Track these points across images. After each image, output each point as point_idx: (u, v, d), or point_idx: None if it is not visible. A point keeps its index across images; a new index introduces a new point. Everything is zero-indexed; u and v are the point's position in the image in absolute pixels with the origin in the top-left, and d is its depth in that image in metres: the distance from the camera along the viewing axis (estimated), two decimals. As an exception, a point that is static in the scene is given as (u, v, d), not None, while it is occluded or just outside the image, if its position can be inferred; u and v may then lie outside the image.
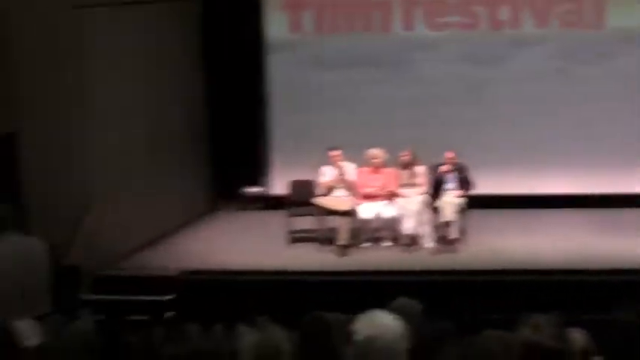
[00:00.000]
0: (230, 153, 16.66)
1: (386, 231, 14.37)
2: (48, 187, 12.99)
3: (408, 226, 13.97)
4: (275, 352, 4.50)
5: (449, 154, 14.13)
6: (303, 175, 15.17)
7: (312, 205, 14.42)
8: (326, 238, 14.37)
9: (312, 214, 14.50)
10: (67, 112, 13.40)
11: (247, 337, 4.70)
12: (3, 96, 11.90)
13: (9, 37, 12.27)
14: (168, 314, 11.61)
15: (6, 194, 11.41)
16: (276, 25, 16.60)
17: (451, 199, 13.94)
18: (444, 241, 13.99)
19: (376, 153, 14.21)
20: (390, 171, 14.30)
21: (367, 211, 14.18)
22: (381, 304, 9.01)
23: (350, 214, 14.12)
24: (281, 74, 16.60)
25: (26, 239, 8.29)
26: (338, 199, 14.14)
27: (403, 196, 14.09)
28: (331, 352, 6.42)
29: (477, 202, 14.40)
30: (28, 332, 5.77)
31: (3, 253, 7.89)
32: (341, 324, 6.57)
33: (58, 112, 13.24)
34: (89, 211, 13.76)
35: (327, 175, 14.33)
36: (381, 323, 5.12)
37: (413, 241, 14.03)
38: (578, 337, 5.90)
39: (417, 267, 13.28)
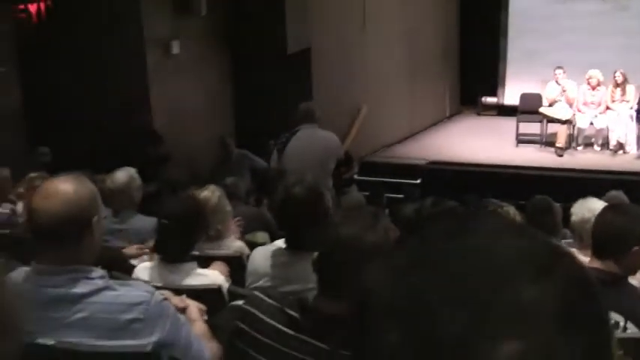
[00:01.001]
0: (474, 68, 16.73)
1: (598, 138, 14.18)
2: (332, 90, 13.53)
3: (616, 135, 13.78)
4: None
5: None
6: (531, 89, 15.12)
7: (538, 113, 14.36)
8: (547, 141, 14.33)
9: (537, 121, 14.44)
10: (349, 31, 13.88)
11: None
12: (302, 18, 12.36)
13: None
14: (416, 194, 11.92)
15: (304, 96, 11.91)
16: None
17: (656, 114, 13.58)
18: (646, 148, 13.74)
19: (594, 73, 13.98)
20: (604, 88, 14.00)
21: (583, 120, 14.04)
22: (591, 197, 9.12)
23: (569, 122, 14.04)
24: (519, 6, 16.41)
25: (326, 132, 8.35)
26: (559, 110, 14.02)
27: (614, 110, 13.82)
28: (553, 228, 6.63)
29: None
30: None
31: (310, 140, 8.01)
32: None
33: (342, 32, 13.73)
34: (361, 111, 14.32)
35: (551, 89, 14.20)
36: (595, 207, 5.08)
37: (619, 147, 13.82)
38: None
39: (622, 168, 13.13)
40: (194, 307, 3.15)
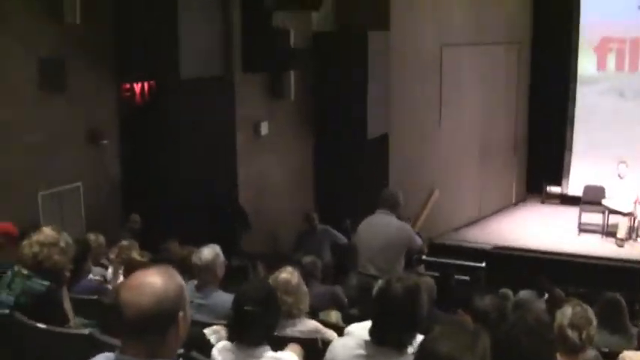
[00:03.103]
0: (540, 158, 16.36)
1: (658, 229, 13.68)
2: (407, 174, 13.34)
3: (676, 227, 13.30)
4: (586, 322, 4.41)
5: None
6: (595, 181, 14.66)
7: (600, 205, 13.91)
8: (609, 232, 13.84)
9: (599, 212, 13.99)
10: (425, 120, 13.76)
11: (565, 308, 4.57)
12: (383, 106, 12.29)
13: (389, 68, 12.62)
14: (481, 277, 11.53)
15: (381, 179, 11.72)
16: (586, 64, 16.00)
17: None
18: None
19: (654, 168, 13.58)
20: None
21: (644, 212, 13.57)
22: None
23: (630, 214, 13.56)
24: (586, 102, 16.04)
25: (399, 222, 7.79)
26: (621, 202, 13.55)
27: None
28: (624, 327, 6.31)
29: None
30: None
31: (381, 226, 7.61)
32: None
33: (419, 120, 13.62)
34: (433, 194, 14.11)
35: (614, 182, 13.77)
36: None
37: (680, 238, 13.31)
38: None
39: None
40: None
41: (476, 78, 14.86)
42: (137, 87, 9.68)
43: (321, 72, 12.16)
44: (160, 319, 2.42)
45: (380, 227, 7.63)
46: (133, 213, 9.45)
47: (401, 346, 3.48)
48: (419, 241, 7.92)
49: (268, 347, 3.96)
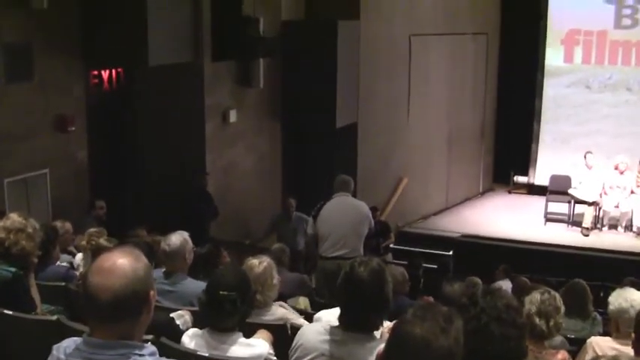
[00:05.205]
0: (507, 148, 16.49)
1: (622, 220, 13.80)
2: (375, 163, 13.39)
3: (640, 218, 13.44)
4: (554, 310, 4.46)
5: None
6: (561, 171, 14.82)
7: (566, 194, 14.04)
8: (574, 221, 13.98)
9: (565, 202, 14.12)
10: (393, 109, 13.80)
11: (533, 294, 4.62)
12: (351, 96, 12.32)
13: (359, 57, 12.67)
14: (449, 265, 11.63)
15: (349, 167, 11.77)
16: (553, 57, 16.07)
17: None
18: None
19: (621, 159, 13.67)
20: (631, 173, 13.67)
21: (609, 203, 13.68)
22: (614, 277, 8.82)
23: (595, 204, 13.70)
24: (552, 93, 16.15)
25: (357, 200, 8.50)
26: (587, 192, 13.70)
27: (639, 195, 13.49)
28: (587, 312, 6.40)
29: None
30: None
31: (343, 206, 8.09)
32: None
33: (387, 109, 13.65)
34: (401, 183, 14.15)
35: (580, 172, 13.91)
36: (632, 297, 4.86)
37: (643, 230, 13.47)
38: None
39: (644, 251, 12.69)
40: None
41: (444, 68, 14.93)
42: (105, 74, 9.59)
43: (291, 60, 12.14)
44: (135, 300, 2.40)
45: (345, 207, 8.11)
46: (98, 199, 9.34)
47: (369, 330, 3.48)
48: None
49: (240, 334, 3.95)
